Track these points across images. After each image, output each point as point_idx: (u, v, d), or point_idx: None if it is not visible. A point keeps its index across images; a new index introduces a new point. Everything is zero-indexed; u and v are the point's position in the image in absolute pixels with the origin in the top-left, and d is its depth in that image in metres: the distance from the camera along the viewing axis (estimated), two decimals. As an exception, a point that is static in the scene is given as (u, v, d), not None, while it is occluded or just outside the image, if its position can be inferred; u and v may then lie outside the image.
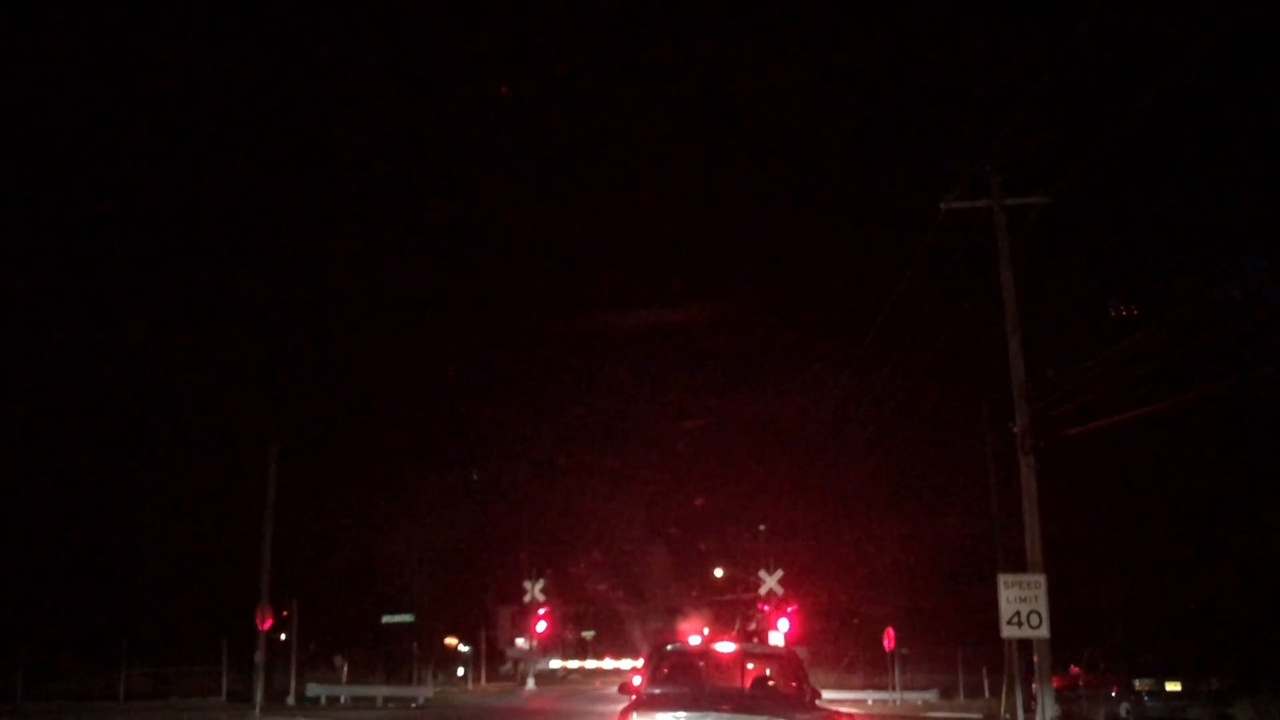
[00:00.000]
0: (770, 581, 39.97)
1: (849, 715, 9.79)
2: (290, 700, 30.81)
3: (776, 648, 15.86)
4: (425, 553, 44.88)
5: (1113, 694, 22.69)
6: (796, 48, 54.62)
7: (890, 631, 32.53)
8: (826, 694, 17.93)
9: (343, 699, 32.33)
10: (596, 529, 59.66)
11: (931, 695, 33.11)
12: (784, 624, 38.53)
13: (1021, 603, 16.17)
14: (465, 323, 63.86)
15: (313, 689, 32.33)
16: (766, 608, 40.28)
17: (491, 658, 49.69)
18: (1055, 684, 19.16)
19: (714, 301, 58.87)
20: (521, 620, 48.88)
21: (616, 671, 49.27)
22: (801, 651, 27.18)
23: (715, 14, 51.39)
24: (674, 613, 57.35)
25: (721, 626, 49.68)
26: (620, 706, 9.24)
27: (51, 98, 39.30)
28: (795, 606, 40.36)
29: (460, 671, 46.51)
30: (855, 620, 43.02)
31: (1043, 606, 16.09)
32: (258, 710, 25.58)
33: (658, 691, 9.46)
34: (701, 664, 10.59)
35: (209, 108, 45.80)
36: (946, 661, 35.79)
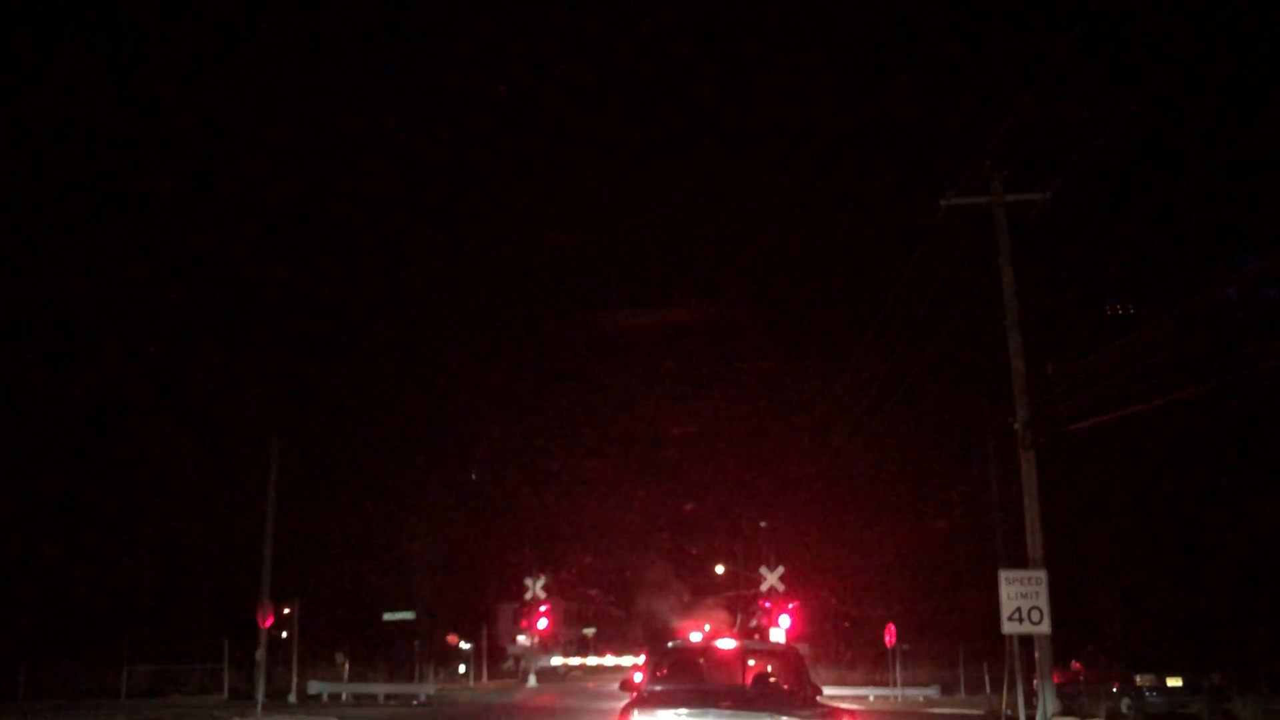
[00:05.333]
0: (771, 578, 39.94)
1: (850, 712, 9.75)
2: (292, 698, 30.85)
3: (778, 644, 15.85)
4: (426, 551, 44.99)
5: (1114, 689, 22.74)
6: (796, 47, 54.57)
7: (891, 628, 32.55)
8: (828, 690, 17.95)
9: (344, 696, 32.38)
10: (590, 534, 59.84)
11: (933, 691, 33.12)
12: (785, 620, 38.52)
13: (1023, 598, 16.17)
14: (464, 325, 63.88)
15: (314, 686, 32.38)
16: (768, 604, 40.28)
17: (493, 655, 49.75)
18: (1056, 679, 19.21)
19: (711, 303, 58.64)
20: (522, 617, 48.95)
21: (618, 668, 49.30)
22: (803, 648, 27.21)
23: (714, 13, 51.32)
24: (674, 611, 57.46)
25: (722, 623, 49.77)
26: (621, 703, 9.23)
27: (59, 88, 39.24)
28: (796, 603, 40.35)
29: (461, 669, 46.56)
30: (846, 624, 43.03)
31: (1044, 602, 16.10)
32: (259, 707, 25.60)
33: (659, 688, 9.44)
34: (702, 661, 10.59)
35: (213, 104, 45.74)
36: (947, 658, 35.80)
